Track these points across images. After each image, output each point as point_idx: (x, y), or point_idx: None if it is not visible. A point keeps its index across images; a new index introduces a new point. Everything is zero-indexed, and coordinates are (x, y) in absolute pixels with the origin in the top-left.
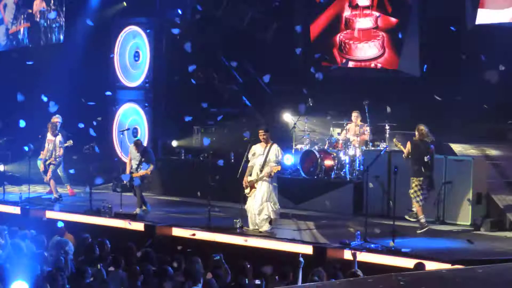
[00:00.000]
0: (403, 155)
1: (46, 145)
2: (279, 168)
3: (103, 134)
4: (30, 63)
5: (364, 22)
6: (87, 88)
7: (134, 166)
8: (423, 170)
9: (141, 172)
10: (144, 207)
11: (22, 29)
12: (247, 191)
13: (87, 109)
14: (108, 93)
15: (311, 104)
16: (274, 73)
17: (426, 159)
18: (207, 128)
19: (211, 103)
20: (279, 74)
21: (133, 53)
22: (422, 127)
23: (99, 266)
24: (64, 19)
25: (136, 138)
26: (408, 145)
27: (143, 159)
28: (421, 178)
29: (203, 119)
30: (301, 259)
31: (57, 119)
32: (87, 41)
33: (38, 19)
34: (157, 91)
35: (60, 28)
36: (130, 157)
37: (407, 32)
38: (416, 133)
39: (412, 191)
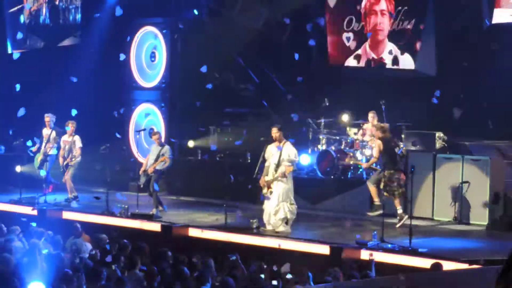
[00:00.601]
0: (374, 157)
1: (62, 145)
2: (291, 168)
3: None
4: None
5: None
6: (104, 89)
7: (151, 162)
8: (393, 163)
9: (159, 159)
10: (160, 208)
11: (44, 10)
12: (264, 191)
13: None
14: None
15: (327, 104)
16: (291, 73)
17: (397, 151)
18: (223, 128)
19: (227, 104)
20: (296, 73)
21: (149, 54)
22: (383, 124)
23: (113, 267)
24: (80, 2)
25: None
26: (379, 144)
27: (160, 153)
28: (392, 171)
29: (219, 119)
30: (309, 273)
31: (48, 118)
32: (103, 42)
33: (57, 2)
34: (173, 92)
35: (76, 9)
36: (148, 158)
37: (424, 32)
38: (379, 131)
39: (383, 185)
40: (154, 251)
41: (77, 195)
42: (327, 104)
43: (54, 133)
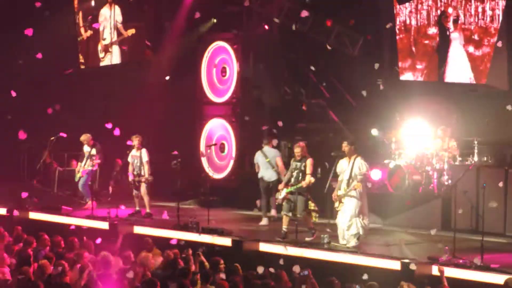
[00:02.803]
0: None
1: (131, 160)
2: (359, 185)
3: (190, 150)
4: None
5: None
6: (175, 103)
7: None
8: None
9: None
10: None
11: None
12: (336, 204)
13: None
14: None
15: (398, 119)
16: (361, 88)
17: None
18: (295, 143)
19: (298, 119)
20: (366, 88)
21: (220, 69)
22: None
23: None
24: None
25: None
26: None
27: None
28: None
29: (291, 135)
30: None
31: (84, 141)
32: (174, 58)
33: None
34: (244, 107)
35: None
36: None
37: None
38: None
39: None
40: (226, 266)
41: (151, 213)
42: (398, 118)
43: (94, 150)
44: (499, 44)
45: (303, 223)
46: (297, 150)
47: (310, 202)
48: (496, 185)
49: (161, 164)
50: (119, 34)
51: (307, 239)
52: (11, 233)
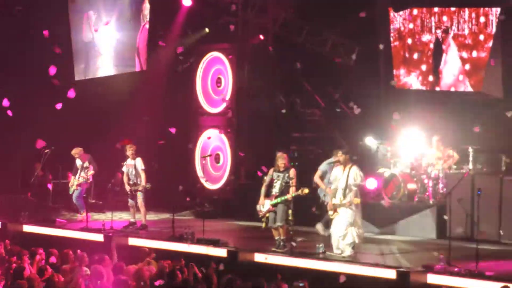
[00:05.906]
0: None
1: (126, 170)
2: (358, 201)
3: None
4: None
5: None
6: (170, 113)
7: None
8: None
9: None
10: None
11: None
12: (330, 213)
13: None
14: None
15: (393, 128)
16: (356, 97)
17: None
18: (290, 153)
19: (294, 128)
20: (362, 97)
21: (215, 79)
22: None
23: None
24: None
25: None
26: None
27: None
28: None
29: (286, 144)
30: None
31: (76, 155)
32: (169, 68)
33: None
34: (239, 117)
35: None
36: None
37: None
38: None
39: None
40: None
41: (146, 225)
42: (393, 127)
43: (87, 162)
44: (492, 62)
45: (280, 233)
46: (281, 161)
47: (290, 212)
48: (490, 192)
49: (155, 175)
50: None
51: (275, 249)
52: (4, 247)
